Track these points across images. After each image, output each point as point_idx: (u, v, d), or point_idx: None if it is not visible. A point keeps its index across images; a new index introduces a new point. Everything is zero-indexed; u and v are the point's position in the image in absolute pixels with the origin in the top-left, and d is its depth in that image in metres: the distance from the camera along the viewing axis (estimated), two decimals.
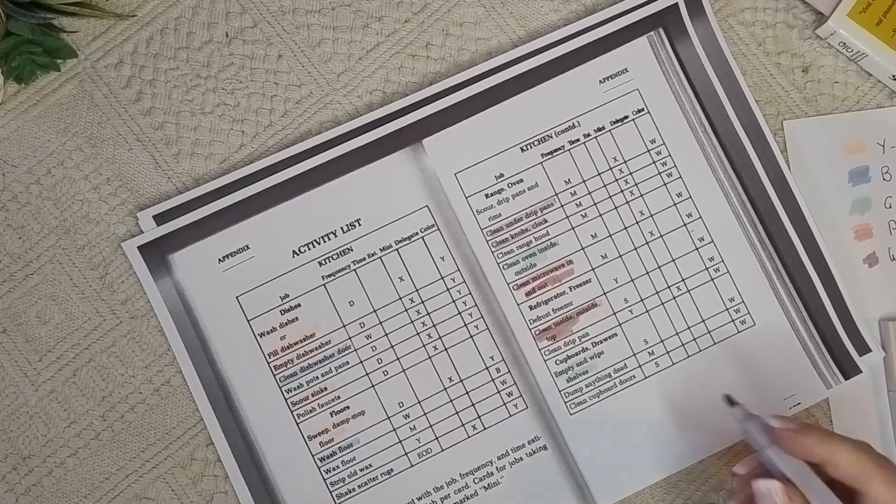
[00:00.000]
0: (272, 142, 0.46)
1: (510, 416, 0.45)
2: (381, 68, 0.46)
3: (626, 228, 0.45)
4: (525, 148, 0.45)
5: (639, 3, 0.46)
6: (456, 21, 0.47)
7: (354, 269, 0.45)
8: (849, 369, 0.45)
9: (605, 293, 0.45)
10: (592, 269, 0.45)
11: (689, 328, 0.45)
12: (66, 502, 0.44)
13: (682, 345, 0.45)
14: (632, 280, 0.45)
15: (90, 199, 0.45)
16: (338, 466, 0.44)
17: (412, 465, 0.44)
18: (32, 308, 0.45)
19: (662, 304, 0.45)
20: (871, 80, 0.47)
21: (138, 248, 0.44)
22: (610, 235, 0.45)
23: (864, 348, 0.45)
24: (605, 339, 0.45)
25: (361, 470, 0.44)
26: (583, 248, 0.45)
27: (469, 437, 0.44)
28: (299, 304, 0.45)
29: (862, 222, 0.47)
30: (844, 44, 0.46)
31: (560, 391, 0.44)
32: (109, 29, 0.46)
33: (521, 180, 0.45)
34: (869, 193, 0.47)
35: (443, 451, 0.44)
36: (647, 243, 0.45)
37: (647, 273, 0.45)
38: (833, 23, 0.45)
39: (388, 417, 0.44)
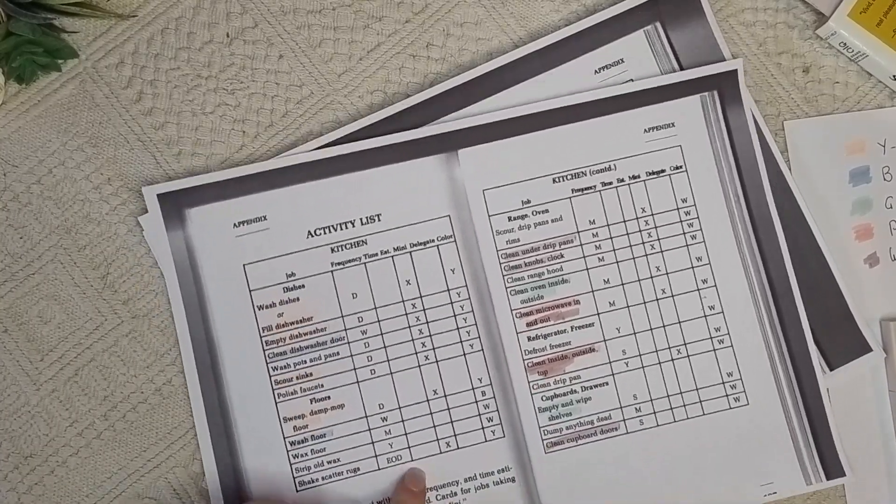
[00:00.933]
0: (273, 142, 0.46)
1: (486, 441, 0.44)
2: (382, 68, 0.46)
3: (639, 280, 0.45)
4: (557, 180, 0.45)
5: (694, 72, 0.45)
6: (456, 21, 0.47)
7: (365, 263, 0.45)
8: (833, 470, 0.44)
9: (605, 340, 0.45)
10: (598, 314, 0.45)
11: (681, 393, 0.45)
12: (67, 501, 0.44)
13: (671, 408, 0.45)
14: (634, 333, 0.45)
15: (91, 199, 0.46)
16: (307, 454, 0.44)
17: (379, 469, 0.44)
18: (34, 308, 0.45)
19: (659, 363, 0.45)
20: (871, 80, 0.47)
21: (157, 195, 0.44)
22: (622, 284, 0.45)
23: (865, 348, 0.45)
24: (596, 386, 0.45)
25: (329, 462, 0.44)
26: (592, 291, 0.45)
27: (441, 452, 0.44)
28: (303, 286, 0.45)
29: (863, 222, 0.47)
30: (845, 44, 0.46)
31: (540, 427, 0.44)
32: (110, 29, 0.46)
33: (547, 210, 0.45)
34: (870, 194, 0.47)
35: (412, 460, 0.44)
36: (656, 299, 0.45)
37: (651, 329, 0.45)
38: (833, 23, 0.45)
39: (366, 416, 0.44)
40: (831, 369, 0.45)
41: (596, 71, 0.46)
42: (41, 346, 0.45)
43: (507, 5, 0.47)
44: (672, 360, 0.45)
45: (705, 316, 0.45)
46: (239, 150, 0.46)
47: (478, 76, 0.45)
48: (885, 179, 0.47)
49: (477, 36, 0.47)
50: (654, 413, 0.44)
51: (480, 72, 0.45)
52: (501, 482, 0.44)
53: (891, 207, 0.47)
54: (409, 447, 0.44)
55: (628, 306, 0.45)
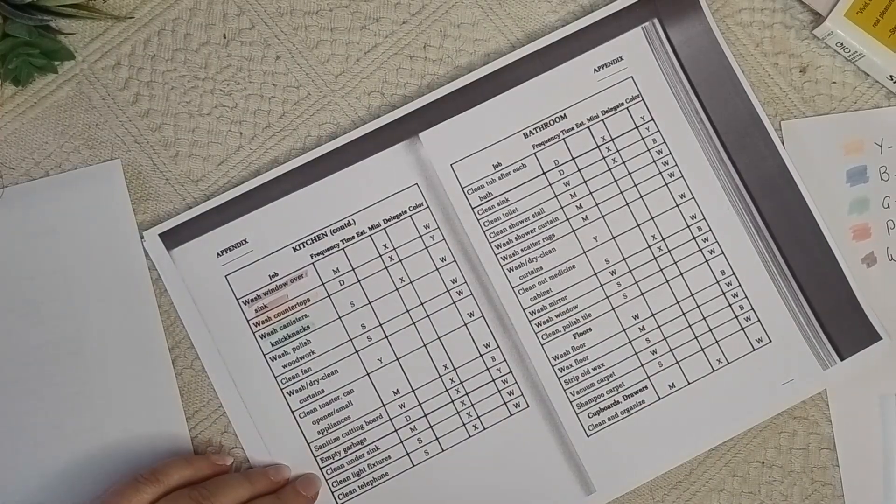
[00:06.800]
0: (270, 143, 0.46)
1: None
2: (380, 69, 0.46)
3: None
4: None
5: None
6: (454, 22, 0.47)
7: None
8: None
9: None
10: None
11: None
12: None
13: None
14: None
15: None
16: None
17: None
18: None
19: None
20: (868, 80, 0.47)
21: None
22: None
23: (874, 337, 0.45)
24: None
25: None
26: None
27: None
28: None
29: (860, 222, 0.47)
30: (842, 44, 0.46)
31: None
32: (107, 31, 0.46)
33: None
34: (867, 193, 0.47)
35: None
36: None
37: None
38: (830, 23, 0.45)
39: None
40: (842, 359, 0.45)
41: (595, 69, 0.46)
42: None
43: (504, 6, 0.47)
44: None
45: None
46: (236, 152, 0.46)
47: (477, 79, 0.45)
48: (882, 179, 0.47)
49: (474, 37, 0.47)
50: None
51: (479, 74, 0.45)
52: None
53: (888, 207, 0.47)
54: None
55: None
